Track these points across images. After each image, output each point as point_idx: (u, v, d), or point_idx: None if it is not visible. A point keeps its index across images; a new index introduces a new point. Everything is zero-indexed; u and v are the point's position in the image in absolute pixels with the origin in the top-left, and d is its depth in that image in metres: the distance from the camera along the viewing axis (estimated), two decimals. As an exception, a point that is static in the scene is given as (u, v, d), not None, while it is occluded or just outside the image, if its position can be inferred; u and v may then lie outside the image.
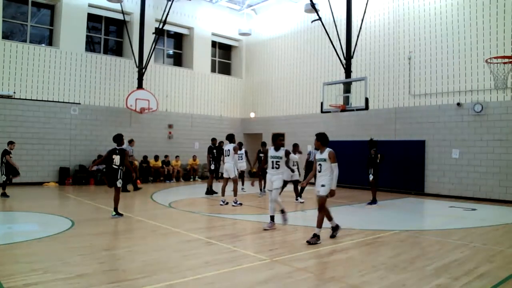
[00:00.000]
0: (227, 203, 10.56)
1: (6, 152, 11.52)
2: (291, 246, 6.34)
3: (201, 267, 5.06)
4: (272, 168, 7.66)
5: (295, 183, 11.57)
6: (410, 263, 5.38)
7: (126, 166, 8.66)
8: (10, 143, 11.77)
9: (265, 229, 7.44)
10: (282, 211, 7.57)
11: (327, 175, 6.49)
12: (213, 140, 13.36)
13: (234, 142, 11.03)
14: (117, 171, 8.48)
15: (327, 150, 6.55)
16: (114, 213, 8.51)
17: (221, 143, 13.37)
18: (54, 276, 4.54)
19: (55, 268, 4.84)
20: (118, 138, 8.68)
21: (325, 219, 6.69)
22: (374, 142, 11.27)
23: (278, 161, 7.62)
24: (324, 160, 6.52)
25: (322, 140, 6.63)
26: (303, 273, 4.90)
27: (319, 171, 6.59)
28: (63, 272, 4.69)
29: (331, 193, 6.48)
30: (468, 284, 4.55)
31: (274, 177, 7.61)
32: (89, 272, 4.79)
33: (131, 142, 14.37)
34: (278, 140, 7.71)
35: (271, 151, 7.71)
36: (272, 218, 7.62)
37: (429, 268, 5.15)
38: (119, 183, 8.52)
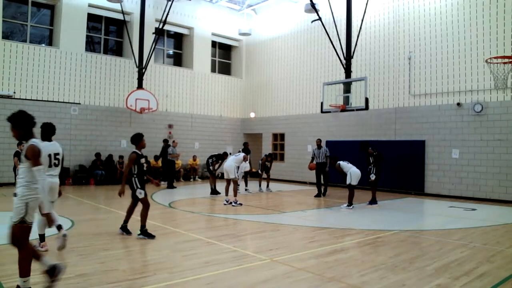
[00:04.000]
0: (230, 203, 10.61)
1: (17, 154, 11.52)
2: (291, 246, 6.33)
3: (201, 267, 5.06)
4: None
5: None
6: (410, 263, 5.38)
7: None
8: (20, 143, 11.76)
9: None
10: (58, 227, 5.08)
11: (22, 184, 3.91)
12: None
13: (247, 152, 12.37)
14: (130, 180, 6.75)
15: (29, 143, 3.94)
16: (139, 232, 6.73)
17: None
18: (54, 276, 4.53)
19: (55, 268, 4.83)
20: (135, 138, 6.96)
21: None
22: (365, 145, 11.19)
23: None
24: (22, 160, 3.93)
25: (19, 125, 3.97)
26: (303, 273, 4.89)
27: (18, 175, 4.04)
28: (63, 272, 4.69)
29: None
30: (468, 284, 4.55)
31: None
32: (89, 272, 4.79)
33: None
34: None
35: None
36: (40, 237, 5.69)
37: (429, 268, 5.14)
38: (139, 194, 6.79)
